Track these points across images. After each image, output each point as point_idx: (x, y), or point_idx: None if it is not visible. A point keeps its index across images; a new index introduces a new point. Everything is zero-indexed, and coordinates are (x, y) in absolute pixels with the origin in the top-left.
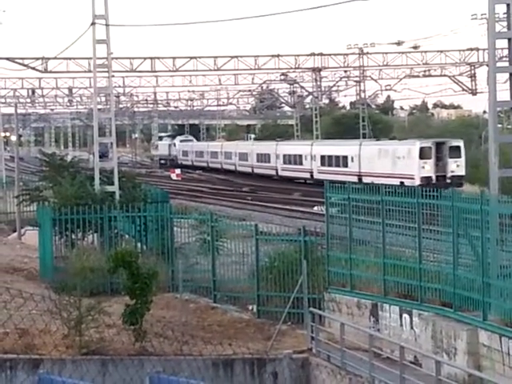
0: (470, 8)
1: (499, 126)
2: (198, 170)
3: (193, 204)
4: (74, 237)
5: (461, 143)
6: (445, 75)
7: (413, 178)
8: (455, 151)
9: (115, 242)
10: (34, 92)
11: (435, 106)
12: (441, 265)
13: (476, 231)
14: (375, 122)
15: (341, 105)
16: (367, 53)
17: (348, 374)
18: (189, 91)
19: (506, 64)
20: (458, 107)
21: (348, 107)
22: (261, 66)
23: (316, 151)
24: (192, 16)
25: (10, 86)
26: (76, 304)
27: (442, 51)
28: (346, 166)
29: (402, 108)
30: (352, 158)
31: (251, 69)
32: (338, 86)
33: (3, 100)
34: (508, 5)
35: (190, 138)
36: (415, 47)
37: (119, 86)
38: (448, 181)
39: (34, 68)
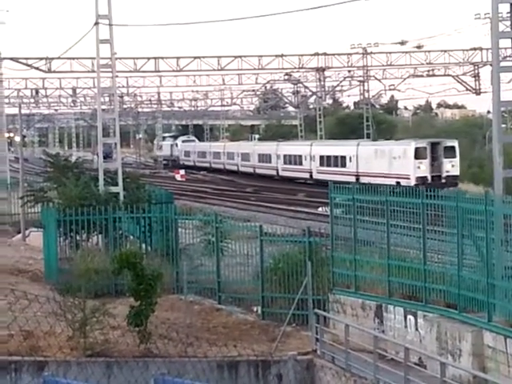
0: (473, 7)
1: (503, 126)
2: (202, 171)
3: (197, 205)
4: (78, 238)
5: (455, 143)
6: (448, 75)
7: (408, 178)
8: (450, 151)
9: (120, 243)
10: (37, 92)
11: (439, 105)
12: (445, 266)
13: (481, 232)
14: (379, 122)
15: (345, 105)
16: (371, 52)
17: (353, 376)
18: (193, 91)
19: (510, 64)
20: (461, 107)
21: (352, 107)
22: (264, 66)
23: (315, 151)
24: (196, 16)
25: (13, 87)
26: (81, 306)
27: (445, 51)
28: (344, 166)
29: (405, 108)
30: (350, 158)
31: (255, 69)
32: (342, 86)
33: (7, 100)
34: (511, 4)
35: (192, 138)
36: (419, 47)
37: (123, 86)
38: (443, 181)
39: (37, 68)
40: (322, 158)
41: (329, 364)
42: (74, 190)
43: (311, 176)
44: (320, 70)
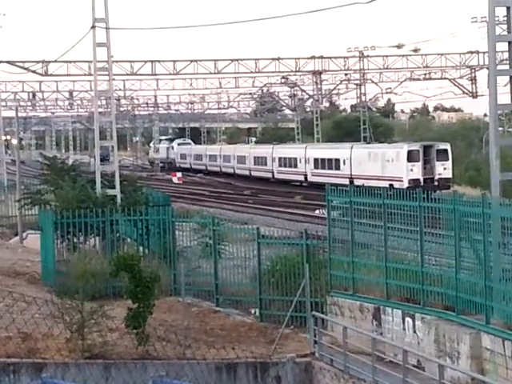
0: (470, 11)
1: (500, 129)
2: (199, 174)
3: (194, 207)
4: (75, 240)
5: (448, 146)
6: (445, 78)
7: (401, 181)
8: (442, 154)
9: (117, 245)
10: (34, 95)
11: (436, 109)
12: (443, 268)
13: (478, 234)
14: (376, 125)
15: (341, 108)
16: (368, 56)
17: (351, 378)
18: (189, 94)
19: (507, 67)
20: (458, 110)
21: (349, 110)
22: (261, 69)
23: (310, 154)
24: (192, 19)
25: (10, 90)
26: (78, 308)
27: (442, 54)
28: (338, 168)
29: (402, 111)
30: (344, 161)
31: (252, 72)
32: (339, 89)
33: (4, 103)
34: (508, 8)
35: (188, 141)
36: (415, 50)
37: (120, 90)
38: (435, 183)
39: (34, 71)
40: (316, 160)
41: (327, 366)
42: (71, 192)
43: (306, 178)
44: (317, 73)
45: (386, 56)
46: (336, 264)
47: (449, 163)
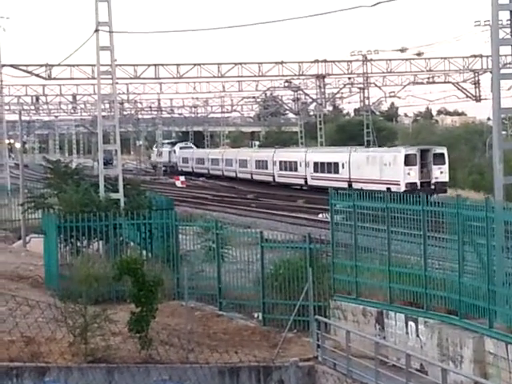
0: (473, 15)
1: (503, 132)
2: (201, 177)
3: (198, 211)
4: (79, 244)
5: (445, 150)
6: (449, 82)
7: (398, 184)
8: (439, 158)
9: (120, 249)
10: (37, 99)
11: (439, 112)
12: (446, 272)
13: (481, 238)
14: (379, 129)
15: (345, 112)
16: (371, 59)
17: (354, 382)
18: (193, 98)
19: (510, 71)
20: (462, 114)
21: (352, 114)
22: (265, 73)
23: (309, 158)
24: (196, 23)
25: (13, 93)
26: (81, 312)
27: (445, 58)
28: (337, 172)
29: (406, 115)
30: (343, 165)
31: (255, 76)
32: (342, 93)
33: (7, 107)
34: (511, 11)
35: (190, 145)
36: (419, 54)
37: (123, 93)
38: (432, 187)
39: (37, 75)
40: (316, 164)
41: (330, 370)
42: (74, 196)
43: (306, 182)
44: (320, 76)
45: (390, 60)
46: (339, 268)
47: (445, 167)
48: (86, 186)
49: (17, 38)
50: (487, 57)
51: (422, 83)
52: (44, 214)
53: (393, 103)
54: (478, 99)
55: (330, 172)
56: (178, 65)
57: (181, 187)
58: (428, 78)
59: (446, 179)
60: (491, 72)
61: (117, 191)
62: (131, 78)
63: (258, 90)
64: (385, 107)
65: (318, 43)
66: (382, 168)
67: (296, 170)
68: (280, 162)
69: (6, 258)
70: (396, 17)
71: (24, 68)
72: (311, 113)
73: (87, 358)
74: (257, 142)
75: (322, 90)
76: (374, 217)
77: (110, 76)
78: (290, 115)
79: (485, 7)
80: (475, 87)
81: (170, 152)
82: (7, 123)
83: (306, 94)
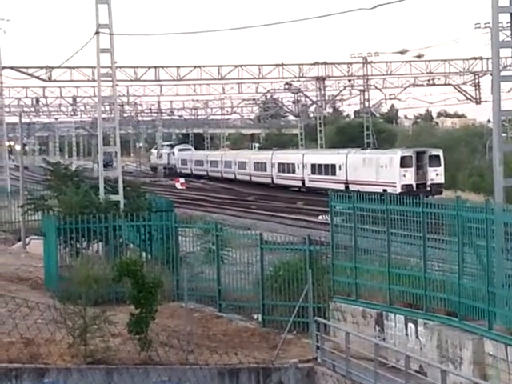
0: (473, 17)
1: (503, 135)
2: (202, 179)
3: (197, 213)
4: (78, 246)
5: (440, 153)
6: (449, 84)
7: (394, 186)
8: (435, 160)
9: (120, 251)
10: (38, 101)
11: (439, 114)
12: (446, 274)
13: (481, 240)
14: (379, 131)
15: (345, 114)
16: (371, 62)
17: None
18: (193, 100)
19: (510, 73)
20: (462, 116)
21: (352, 116)
22: (265, 75)
23: (307, 160)
24: (196, 25)
25: (14, 95)
26: (81, 313)
27: (445, 60)
28: (334, 174)
29: (406, 117)
30: (340, 167)
31: (255, 78)
32: (342, 95)
33: (7, 109)
34: None
35: (189, 147)
36: (419, 56)
37: (123, 95)
38: (428, 189)
39: (38, 77)
40: (313, 166)
41: (329, 372)
42: (74, 198)
43: (303, 184)
44: (320, 79)
45: (390, 62)
46: (339, 270)
47: (441, 169)
48: (86, 187)
49: (17, 40)
50: (487, 59)
51: (422, 85)
52: (44, 216)
53: (393, 105)
54: (478, 101)
55: (327, 174)
56: (178, 67)
57: (181, 189)
58: (428, 80)
59: (442, 181)
60: (491, 74)
61: (117, 193)
62: (131, 80)
63: (258, 92)
64: (385, 109)
65: (319, 45)
66: (379, 170)
67: (294, 171)
68: (278, 164)
69: (6, 259)
70: (396, 19)
71: (24, 70)
72: (311, 115)
73: (86, 360)
74: (257, 144)
75: (322, 92)
76: (374, 219)
77: (110, 78)
78: (290, 117)
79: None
80: (475, 89)
81: (168, 154)
82: (7, 125)
83: (306, 96)
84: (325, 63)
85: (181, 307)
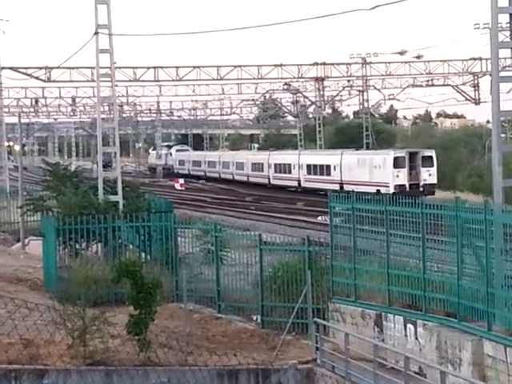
0: (472, 17)
1: (503, 135)
2: (201, 180)
3: (197, 214)
4: (77, 247)
5: (433, 153)
6: (448, 85)
7: (387, 186)
8: (428, 161)
9: (119, 251)
10: (37, 101)
11: (438, 115)
12: (445, 275)
13: (480, 241)
14: (378, 132)
15: (344, 114)
16: (370, 62)
17: None
18: (192, 100)
19: (509, 74)
20: (461, 117)
21: (351, 117)
22: (264, 76)
23: (303, 161)
24: (195, 25)
25: (13, 96)
26: (80, 314)
27: (444, 61)
28: (329, 174)
29: (405, 117)
30: (334, 167)
31: (254, 78)
32: (341, 96)
33: (7, 109)
34: (511, 14)
35: (186, 147)
36: (418, 57)
37: (122, 96)
38: (421, 189)
39: (37, 77)
40: (309, 166)
41: (329, 373)
42: (73, 198)
43: (299, 184)
44: (319, 79)
45: (389, 62)
46: (338, 270)
47: (434, 169)
48: (85, 188)
49: (16, 40)
50: (487, 59)
51: (421, 86)
52: (43, 217)
53: (392, 106)
54: (477, 102)
55: (322, 174)
56: (177, 67)
57: (180, 190)
58: (427, 81)
59: (435, 181)
60: (490, 75)
61: (116, 193)
62: (130, 81)
63: (258, 92)
64: (384, 110)
65: (318, 46)
66: (372, 170)
67: (290, 172)
68: (275, 165)
69: (5, 260)
70: (395, 19)
71: (23, 70)
72: (310, 115)
73: (86, 361)
74: (256, 145)
75: (321, 92)
76: (373, 219)
77: (109, 78)
78: (289, 118)
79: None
80: (474, 90)
81: (166, 154)
82: (6, 126)
83: (305, 97)
84: (324, 64)
85: (180, 308)
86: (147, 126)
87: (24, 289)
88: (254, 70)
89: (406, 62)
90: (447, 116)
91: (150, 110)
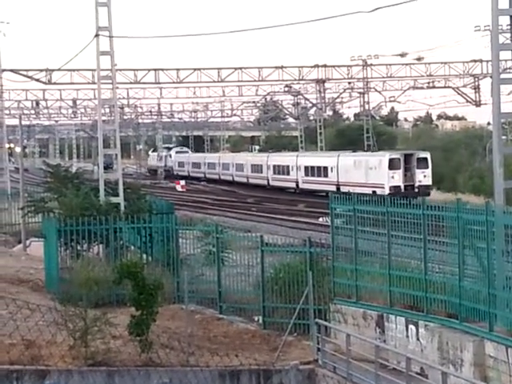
0: (473, 19)
1: (503, 137)
2: (203, 182)
3: (198, 215)
4: (79, 248)
5: (428, 155)
6: (449, 87)
7: (383, 187)
8: (422, 162)
9: (120, 253)
10: (38, 103)
11: (439, 117)
12: (446, 276)
13: (481, 242)
14: (379, 134)
15: (345, 116)
16: (371, 64)
17: None
18: (193, 103)
19: (510, 76)
20: (462, 119)
21: (352, 119)
22: (265, 78)
23: (301, 162)
24: (196, 28)
25: (14, 98)
26: (82, 315)
27: (445, 63)
28: (326, 176)
29: (406, 119)
30: (331, 169)
31: (255, 80)
32: (342, 98)
33: (7, 112)
34: (511, 17)
35: (186, 149)
36: (419, 59)
37: (123, 98)
38: (416, 190)
39: (38, 80)
40: (306, 168)
41: (330, 373)
42: (74, 200)
43: (297, 185)
44: (320, 81)
45: (390, 64)
46: (339, 271)
47: (428, 171)
48: (86, 190)
49: (17, 42)
50: (487, 62)
51: (422, 88)
52: (44, 218)
53: (393, 108)
54: (478, 104)
55: (319, 176)
56: (178, 69)
57: (181, 191)
58: (428, 83)
59: (429, 182)
60: (491, 77)
61: (117, 195)
62: (131, 83)
63: (258, 94)
64: (385, 112)
65: (318, 48)
66: (368, 172)
67: (288, 173)
68: (274, 166)
69: (7, 261)
70: (396, 22)
71: (24, 73)
72: (311, 117)
73: (87, 362)
74: (257, 147)
75: (322, 94)
76: (375, 221)
77: (110, 81)
78: (290, 120)
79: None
80: (475, 92)
81: (165, 156)
82: (7, 128)
83: (306, 99)
84: (325, 66)
85: (181, 309)
86: (148, 128)
87: (25, 290)
88: (254, 72)
89: (406, 64)
90: (448, 118)
91: (150, 112)
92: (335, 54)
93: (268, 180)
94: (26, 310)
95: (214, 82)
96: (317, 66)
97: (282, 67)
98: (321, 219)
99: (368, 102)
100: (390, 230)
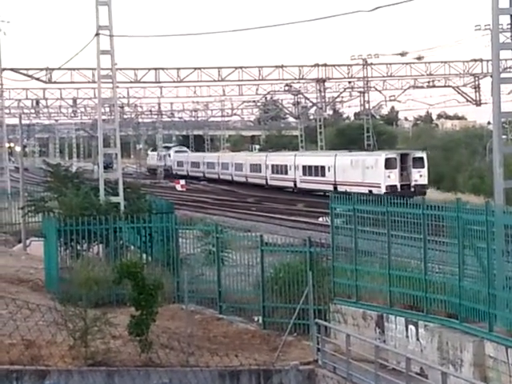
0: (473, 19)
1: (503, 136)
2: (203, 181)
3: (198, 215)
4: (79, 248)
5: (424, 155)
6: (449, 86)
7: (379, 187)
8: (418, 162)
9: (120, 252)
10: (38, 103)
11: (439, 116)
12: (446, 276)
13: (481, 242)
14: (379, 133)
15: (345, 116)
16: (371, 63)
17: None
18: (193, 102)
19: (510, 75)
20: (462, 118)
21: (352, 118)
22: (265, 77)
23: (298, 162)
24: (196, 27)
25: (14, 97)
26: (82, 315)
27: (446, 62)
28: (323, 175)
29: (406, 119)
30: (329, 168)
31: (255, 79)
32: (342, 97)
33: (7, 111)
34: None
35: (184, 149)
36: (419, 58)
37: (123, 97)
38: (412, 189)
39: (38, 79)
40: (304, 167)
41: (330, 374)
42: (74, 199)
43: (295, 185)
44: (320, 80)
45: (390, 64)
46: (339, 271)
47: (424, 170)
48: (86, 189)
49: (17, 41)
50: (487, 61)
51: (422, 87)
52: (44, 218)
53: (393, 107)
54: (478, 103)
55: (317, 175)
56: (178, 69)
57: (181, 191)
58: (428, 82)
59: (425, 182)
60: (491, 76)
61: (117, 195)
62: (131, 82)
63: (259, 93)
64: (385, 111)
65: (318, 47)
66: (365, 171)
67: (286, 173)
68: (272, 166)
69: (7, 261)
70: (396, 21)
71: (24, 72)
72: (311, 117)
73: (87, 361)
74: (257, 146)
75: (322, 93)
76: (375, 220)
77: (110, 80)
78: (291, 119)
79: (485, 11)
80: (475, 91)
81: (164, 156)
82: (7, 127)
83: (306, 98)
84: (325, 65)
85: (181, 309)
86: (148, 128)
87: (25, 290)
88: (255, 72)
89: (406, 64)
90: (448, 117)
91: (150, 111)
92: (335, 53)
93: (266, 179)
94: (26, 310)
95: (215, 81)
96: (317, 65)
97: (282, 66)
98: (320, 219)
99: (368, 102)
100: (389, 230)
